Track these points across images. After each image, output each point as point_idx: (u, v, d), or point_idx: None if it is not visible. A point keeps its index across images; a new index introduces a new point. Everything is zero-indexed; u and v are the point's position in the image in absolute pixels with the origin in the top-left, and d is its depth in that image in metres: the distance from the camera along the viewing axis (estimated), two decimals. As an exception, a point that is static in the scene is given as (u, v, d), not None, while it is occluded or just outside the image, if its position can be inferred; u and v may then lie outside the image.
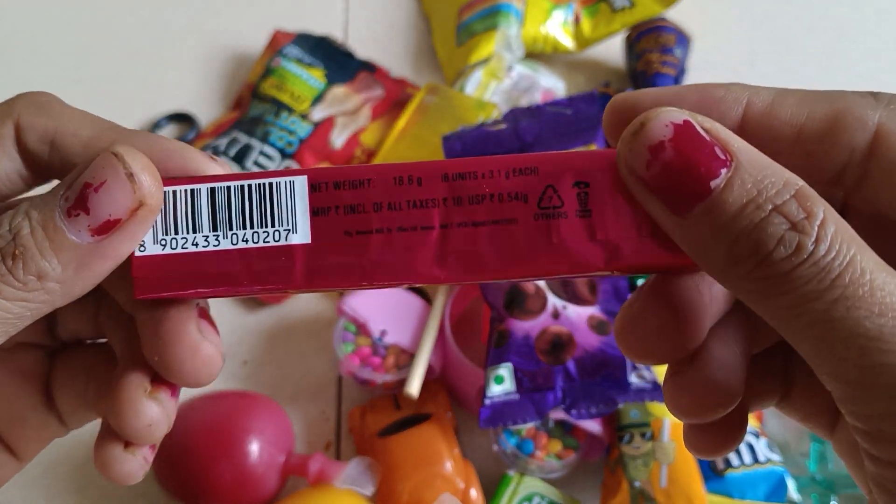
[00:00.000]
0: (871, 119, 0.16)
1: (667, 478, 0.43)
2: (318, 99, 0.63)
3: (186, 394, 0.48)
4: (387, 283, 0.18)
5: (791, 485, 0.44)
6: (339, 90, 0.64)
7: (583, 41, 0.68)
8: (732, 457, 0.45)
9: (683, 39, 0.64)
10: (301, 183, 0.18)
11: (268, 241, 0.18)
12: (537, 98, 0.63)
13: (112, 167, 0.17)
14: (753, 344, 0.19)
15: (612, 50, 0.69)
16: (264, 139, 0.60)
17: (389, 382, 0.49)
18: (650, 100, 0.17)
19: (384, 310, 0.50)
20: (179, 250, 0.18)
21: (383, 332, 0.49)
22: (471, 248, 0.18)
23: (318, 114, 0.62)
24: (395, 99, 0.65)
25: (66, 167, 0.19)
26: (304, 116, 0.62)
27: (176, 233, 0.18)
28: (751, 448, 0.45)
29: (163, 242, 0.18)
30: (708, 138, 0.15)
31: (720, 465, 0.45)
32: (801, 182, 0.15)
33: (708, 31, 0.71)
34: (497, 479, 0.47)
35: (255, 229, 0.18)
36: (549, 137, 0.52)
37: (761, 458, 0.45)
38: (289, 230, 0.18)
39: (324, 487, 0.44)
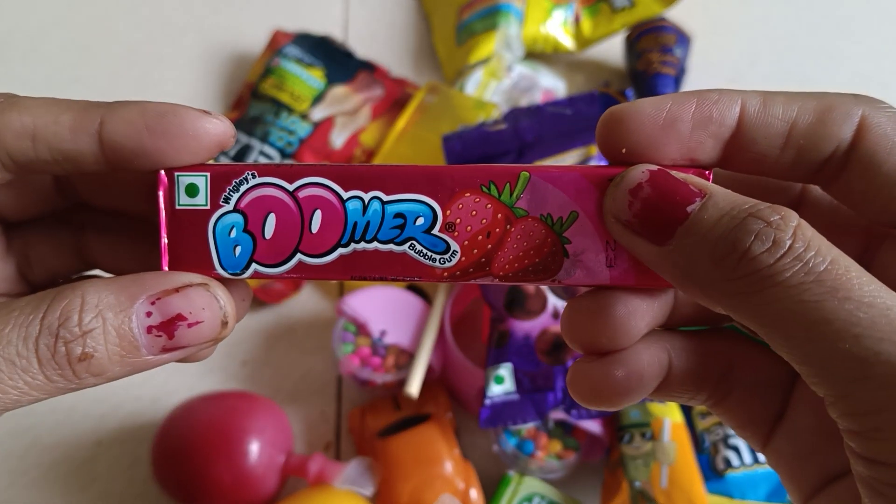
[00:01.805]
0: (856, 113, 0.17)
1: (667, 478, 0.43)
2: (317, 99, 0.63)
3: (186, 394, 0.48)
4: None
5: (791, 485, 0.44)
6: (338, 90, 0.64)
7: (583, 41, 0.68)
8: (733, 457, 0.45)
9: (683, 39, 0.64)
10: None
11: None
12: (537, 98, 0.63)
13: (213, 312, 0.18)
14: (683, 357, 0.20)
15: (613, 50, 0.69)
16: (264, 139, 0.60)
17: (389, 383, 0.49)
18: (649, 108, 0.18)
19: (384, 310, 0.50)
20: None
21: (383, 333, 0.49)
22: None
23: (318, 113, 0.62)
24: (394, 98, 0.65)
25: (56, 156, 0.18)
26: (303, 116, 0.62)
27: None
28: (751, 448, 0.45)
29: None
30: (682, 179, 0.17)
31: (720, 465, 0.45)
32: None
33: (708, 31, 0.71)
34: (497, 480, 0.47)
35: None
36: (549, 137, 0.52)
37: (761, 458, 0.45)
38: None
39: (323, 488, 0.44)
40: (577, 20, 0.68)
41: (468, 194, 0.19)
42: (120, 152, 0.18)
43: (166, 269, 0.19)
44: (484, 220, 0.19)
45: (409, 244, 0.19)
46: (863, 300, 0.14)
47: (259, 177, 0.19)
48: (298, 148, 0.60)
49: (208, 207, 0.19)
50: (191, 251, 0.19)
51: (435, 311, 0.50)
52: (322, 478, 0.44)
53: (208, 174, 0.19)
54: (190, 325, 0.18)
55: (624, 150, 0.18)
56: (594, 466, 0.48)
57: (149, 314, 0.18)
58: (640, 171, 0.17)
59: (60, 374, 0.17)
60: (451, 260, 0.19)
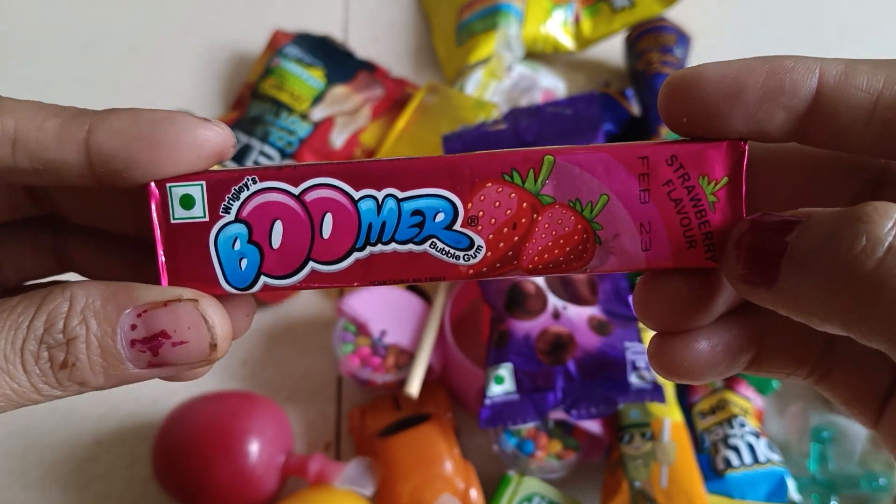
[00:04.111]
0: (812, 65, 0.16)
1: (667, 478, 0.43)
2: (317, 99, 0.63)
3: (186, 394, 0.48)
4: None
5: (791, 485, 0.44)
6: (338, 90, 0.64)
7: (583, 41, 0.68)
8: (733, 457, 0.45)
9: (683, 39, 0.64)
10: None
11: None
12: (537, 98, 0.63)
13: (199, 333, 0.17)
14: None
15: (613, 50, 0.69)
16: (264, 139, 0.60)
17: (389, 382, 0.49)
18: (713, 75, 0.17)
19: (384, 310, 0.50)
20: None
21: (383, 333, 0.49)
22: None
23: (318, 113, 0.62)
24: (394, 98, 0.65)
25: (37, 165, 0.17)
26: (303, 116, 0.62)
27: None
28: (751, 448, 0.45)
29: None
30: (777, 216, 0.16)
31: (720, 465, 0.45)
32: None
33: (708, 31, 0.71)
34: (497, 480, 0.47)
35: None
36: (548, 137, 0.52)
37: (761, 458, 0.45)
38: None
39: (323, 488, 0.44)
40: (577, 20, 0.68)
41: (490, 184, 0.18)
42: (109, 164, 0.17)
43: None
44: (509, 211, 0.18)
45: (429, 243, 0.18)
46: None
47: (260, 181, 0.18)
48: (298, 148, 0.60)
49: (207, 219, 0.18)
50: (192, 267, 0.18)
51: (435, 311, 0.50)
52: (322, 478, 0.44)
53: (204, 183, 0.18)
54: (174, 345, 0.17)
55: (685, 120, 0.17)
56: (594, 466, 0.48)
57: (134, 327, 0.17)
58: (741, 223, 0.17)
59: (45, 381, 0.16)
60: (476, 256, 0.18)
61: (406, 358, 0.49)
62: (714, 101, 0.17)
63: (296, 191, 0.18)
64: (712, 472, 0.45)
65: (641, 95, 0.62)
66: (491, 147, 0.53)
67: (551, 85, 0.65)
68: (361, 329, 0.49)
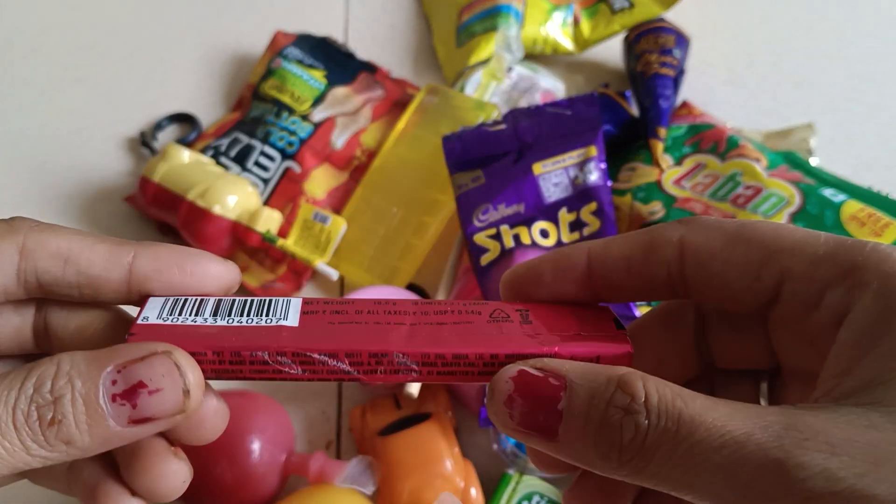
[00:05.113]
0: (675, 236, 0.21)
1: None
2: (318, 100, 0.63)
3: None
4: (357, 348, 0.20)
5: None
6: (339, 91, 0.64)
7: (582, 42, 0.69)
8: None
9: (682, 40, 0.65)
10: (296, 301, 0.22)
11: (260, 324, 0.21)
12: (537, 99, 0.63)
13: (173, 379, 0.18)
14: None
15: (612, 51, 0.69)
16: (265, 140, 0.61)
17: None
18: (519, 270, 0.23)
19: (384, 309, 0.50)
20: (178, 323, 0.20)
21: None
22: (435, 333, 0.21)
23: (319, 114, 0.63)
24: (395, 99, 0.65)
25: (82, 280, 0.20)
26: (304, 117, 0.62)
27: (179, 315, 0.20)
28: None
29: (164, 319, 0.20)
30: (541, 375, 0.19)
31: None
32: (621, 370, 0.18)
33: (707, 32, 0.71)
34: (497, 478, 0.47)
35: (252, 317, 0.21)
36: (548, 138, 0.52)
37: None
38: (281, 319, 0.21)
39: (325, 486, 0.45)
40: (576, 22, 0.69)
41: None
42: (146, 283, 0.21)
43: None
44: None
45: None
46: (713, 444, 0.16)
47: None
48: (299, 148, 0.61)
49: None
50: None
51: (435, 311, 0.50)
52: (323, 476, 0.45)
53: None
54: (150, 393, 0.18)
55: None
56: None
57: (114, 382, 0.18)
58: (505, 381, 0.19)
59: (34, 439, 0.17)
60: None
61: (406, 357, 0.49)
62: (526, 288, 0.23)
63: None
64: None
65: (640, 96, 0.62)
66: (490, 147, 0.53)
67: (551, 86, 0.65)
68: (362, 329, 0.50)
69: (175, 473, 0.20)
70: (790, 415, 0.16)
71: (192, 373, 0.19)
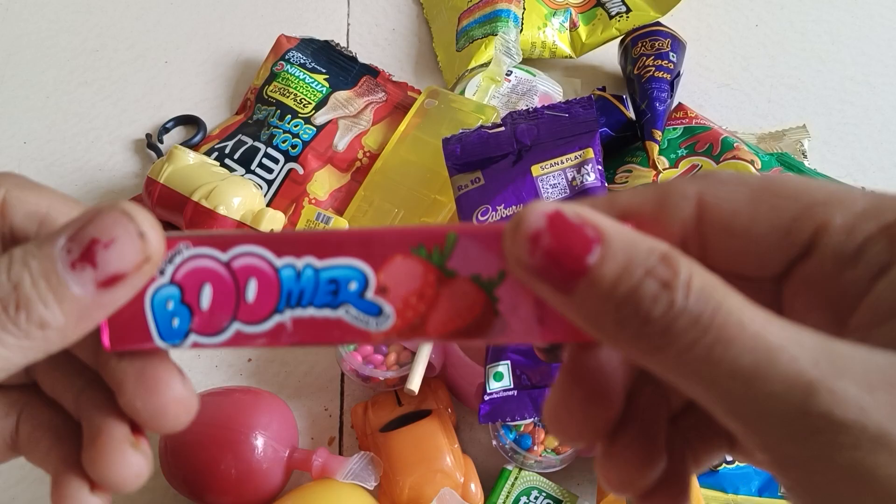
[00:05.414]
0: (691, 192, 0.18)
1: (661, 471, 0.44)
2: (321, 103, 0.64)
3: (193, 390, 0.49)
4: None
5: (782, 478, 0.45)
6: (341, 94, 0.65)
7: (580, 46, 0.69)
8: (724, 451, 0.46)
9: (678, 44, 0.65)
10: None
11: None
12: (535, 102, 0.64)
13: (123, 225, 0.17)
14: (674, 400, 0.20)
15: (609, 55, 0.70)
16: (269, 142, 0.62)
17: (391, 379, 0.50)
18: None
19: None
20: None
21: (385, 330, 0.50)
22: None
23: (322, 117, 0.63)
24: (396, 102, 0.66)
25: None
26: (307, 120, 0.63)
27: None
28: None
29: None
30: (578, 222, 0.17)
31: (713, 459, 0.46)
32: (665, 246, 0.16)
33: (702, 36, 0.72)
34: (496, 474, 0.48)
35: None
36: (546, 140, 0.53)
37: (753, 452, 0.46)
38: None
39: (327, 481, 0.45)
40: (573, 26, 0.70)
41: (399, 257, 0.19)
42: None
43: (107, 344, 0.19)
44: (416, 283, 0.19)
45: (343, 309, 0.19)
46: (746, 345, 0.15)
47: (193, 247, 0.19)
48: (303, 151, 0.61)
49: None
50: (130, 324, 0.19)
51: (435, 310, 0.51)
52: (326, 472, 0.45)
53: None
54: (105, 246, 0.17)
55: None
56: (591, 461, 0.49)
57: (69, 251, 0.17)
58: (538, 215, 0.17)
59: (6, 331, 0.17)
60: (385, 323, 0.19)
61: (407, 355, 0.50)
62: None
63: (224, 257, 0.19)
64: (705, 465, 0.46)
65: (636, 100, 0.63)
66: (489, 149, 0.54)
67: (549, 89, 0.66)
68: (364, 327, 0.50)
69: (129, 465, 0.19)
70: (828, 342, 0.15)
71: (141, 215, 0.18)
